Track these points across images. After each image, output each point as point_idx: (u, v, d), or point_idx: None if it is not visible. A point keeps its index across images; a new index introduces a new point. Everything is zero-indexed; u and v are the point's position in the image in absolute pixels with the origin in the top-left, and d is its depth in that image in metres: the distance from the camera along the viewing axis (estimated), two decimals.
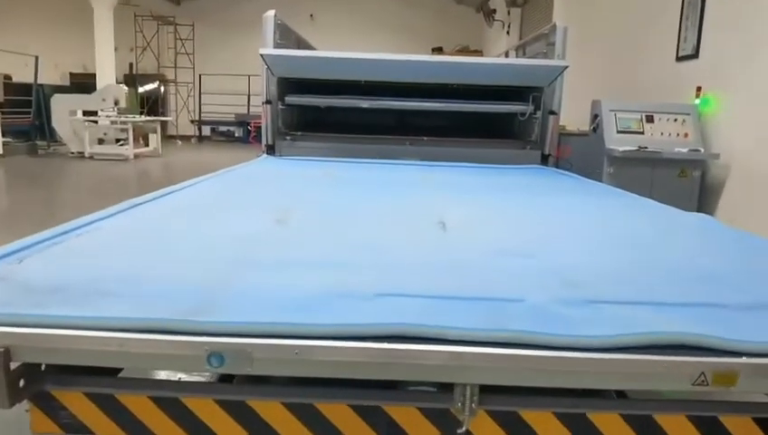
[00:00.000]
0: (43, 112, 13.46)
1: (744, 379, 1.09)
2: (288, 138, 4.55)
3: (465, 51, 16.82)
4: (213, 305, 1.21)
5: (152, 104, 18.77)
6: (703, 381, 1.09)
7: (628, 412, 1.24)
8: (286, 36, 4.80)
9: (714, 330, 1.15)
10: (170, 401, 1.25)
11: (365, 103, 4.47)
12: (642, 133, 4.84)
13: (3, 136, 12.13)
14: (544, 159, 4.54)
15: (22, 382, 1.16)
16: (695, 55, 5.18)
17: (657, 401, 1.27)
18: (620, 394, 1.39)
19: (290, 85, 4.61)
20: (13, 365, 1.14)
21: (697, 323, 1.19)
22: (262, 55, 4.10)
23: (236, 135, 18.71)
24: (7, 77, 14.92)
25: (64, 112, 12.35)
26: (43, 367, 1.23)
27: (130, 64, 18.59)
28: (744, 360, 1.09)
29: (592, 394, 1.27)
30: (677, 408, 1.25)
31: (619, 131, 4.85)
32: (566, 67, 4.21)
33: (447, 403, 1.21)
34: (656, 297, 1.36)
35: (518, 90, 4.64)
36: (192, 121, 19.37)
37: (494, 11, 14.40)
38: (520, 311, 1.25)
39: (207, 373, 1.43)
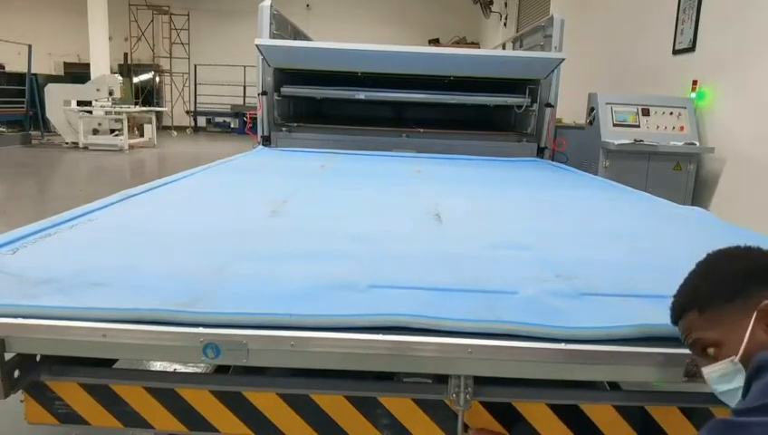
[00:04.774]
0: (37, 102, 13.35)
1: None
2: (284, 129, 4.54)
3: (461, 43, 16.76)
4: (208, 296, 1.21)
5: (147, 95, 18.65)
6: (695, 373, 1.10)
7: (620, 404, 1.25)
8: (282, 27, 4.77)
9: None
10: (166, 391, 1.25)
11: (361, 94, 4.46)
12: (638, 126, 4.84)
13: None
14: (540, 152, 4.55)
15: (17, 373, 1.17)
16: (691, 48, 5.18)
17: (650, 392, 1.28)
18: (613, 386, 1.40)
19: (286, 76, 4.59)
20: (7, 356, 1.14)
21: None
22: (257, 46, 4.08)
23: (232, 126, 18.62)
24: (0, 66, 14.80)
25: (58, 102, 12.25)
26: (38, 358, 1.23)
27: (125, 54, 18.44)
28: None
29: (585, 386, 1.28)
30: (670, 399, 1.26)
31: (614, 124, 4.85)
32: (563, 60, 4.20)
33: (442, 394, 1.21)
34: (649, 290, 1.37)
35: (515, 82, 4.64)
36: (187, 112, 19.26)
37: (492, 2, 14.34)
38: (514, 303, 1.26)
39: (203, 364, 1.43)
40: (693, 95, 4.99)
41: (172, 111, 18.53)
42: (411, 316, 1.15)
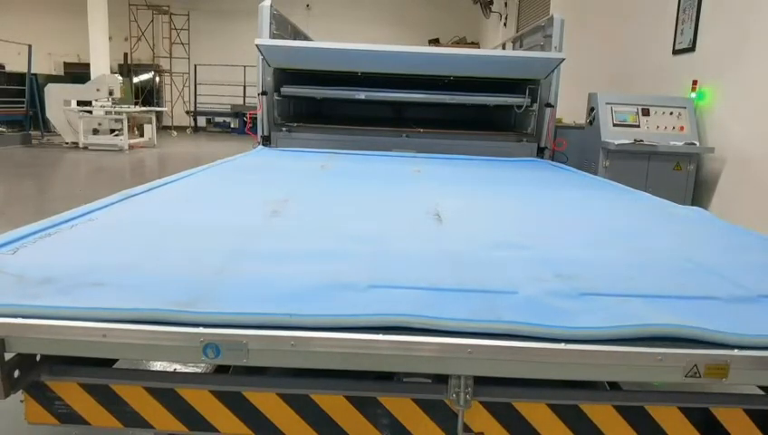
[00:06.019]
0: (37, 102, 13.36)
1: (736, 371, 1.10)
2: (284, 129, 4.54)
3: (461, 43, 16.77)
4: (208, 296, 1.21)
5: (147, 94, 18.66)
6: (695, 373, 1.10)
7: (620, 404, 1.25)
8: (282, 27, 4.77)
9: (706, 322, 1.16)
10: (166, 391, 1.25)
11: (361, 94, 4.46)
12: (638, 126, 4.85)
13: None
14: (540, 152, 4.55)
15: (17, 373, 1.17)
16: (691, 48, 5.18)
17: (650, 392, 1.28)
18: (613, 386, 1.40)
19: (286, 76, 4.59)
20: (7, 356, 1.14)
21: (690, 315, 1.20)
22: (257, 46, 4.08)
23: (232, 126, 18.63)
24: (0, 66, 14.80)
25: (58, 102, 12.24)
26: (38, 358, 1.23)
27: (125, 54, 18.44)
28: (735, 352, 1.10)
29: (585, 385, 1.28)
30: (670, 399, 1.26)
31: (614, 124, 4.85)
32: (563, 60, 4.21)
33: (442, 394, 1.22)
34: (649, 290, 1.37)
35: (515, 82, 4.64)
36: (187, 112, 19.26)
37: (492, 2, 14.34)
38: (514, 302, 1.26)
39: (203, 364, 1.43)
40: (693, 95, 5.00)
41: (172, 111, 18.54)
42: (411, 316, 1.15)
